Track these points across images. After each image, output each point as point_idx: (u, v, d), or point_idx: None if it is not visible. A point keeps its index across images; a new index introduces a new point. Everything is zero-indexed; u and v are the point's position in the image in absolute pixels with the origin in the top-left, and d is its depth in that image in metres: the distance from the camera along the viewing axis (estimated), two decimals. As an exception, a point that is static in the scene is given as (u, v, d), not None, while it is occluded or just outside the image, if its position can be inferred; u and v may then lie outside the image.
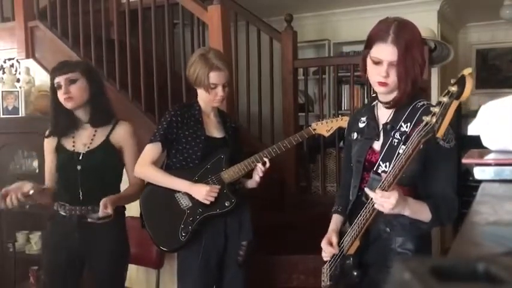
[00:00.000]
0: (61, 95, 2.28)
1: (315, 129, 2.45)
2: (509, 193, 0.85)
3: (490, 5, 4.59)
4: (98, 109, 2.35)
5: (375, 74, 1.65)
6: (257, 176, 2.37)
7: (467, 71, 1.33)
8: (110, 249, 2.34)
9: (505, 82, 5.48)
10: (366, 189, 1.59)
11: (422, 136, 1.40)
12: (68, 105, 2.29)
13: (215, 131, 2.43)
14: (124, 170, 2.45)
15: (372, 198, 1.59)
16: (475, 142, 1.08)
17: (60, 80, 2.28)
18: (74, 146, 2.35)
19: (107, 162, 2.36)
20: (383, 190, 1.51)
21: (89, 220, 2.28)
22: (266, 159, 2.34)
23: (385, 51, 1.60)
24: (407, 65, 1.59)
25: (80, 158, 2.31)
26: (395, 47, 1.58)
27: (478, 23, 5.55)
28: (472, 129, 1.06)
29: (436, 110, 1.36)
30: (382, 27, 1.63)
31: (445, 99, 1.35)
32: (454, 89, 1.33)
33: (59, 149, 2.36)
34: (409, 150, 1.45)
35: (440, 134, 1.37)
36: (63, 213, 2.32)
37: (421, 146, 1.44)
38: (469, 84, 1.32)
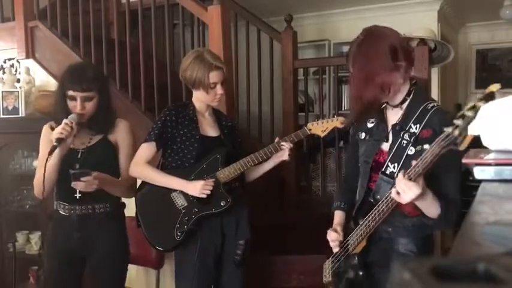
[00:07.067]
0: (74, 107, 2.24)
1: (310, 130, 2.44)
2: (509, 193, 0.85)
3: (490, 5, 4.59)
4: (100, 119, 2.31)
5: None
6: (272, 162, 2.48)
7: (495, 87, 1.27)
8: (110, 249, 2.34)
9: (505, 82, 5.46)
10: (399, 175, 1.49)
11: (443, 147, 1.37)
12: (81, 118, 2.26)
13: (210, 130, 2.43)
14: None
15: (383, 200, 1.59)
16: (475, 142, 1.08)
17: (75, 94, 2.23)
18: (73, 143, 2.34)
19: (105, 160, 2.35)
20: (409, 179, 1.46)
21: (82, 179, 2.14)
22: (286, 143, 2.39)
23: (351, 71, 1.74)
24: (359, 86, 1.67)
25: (79, 156, 2.30)
26: (352, 69, 1.72)
27: (478, 23, 5.55)
28: (472, 129, 1.06)
29: (459, 123, 1.29)
30: (349, 49, 1.76)
31: (470, 114, 1.27)
32: (481, 104, 1.25)
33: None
34: (428, 159, 1.41)
35: (463, 147, 1.31)
36: (63, 213, 2.32)
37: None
38: None
